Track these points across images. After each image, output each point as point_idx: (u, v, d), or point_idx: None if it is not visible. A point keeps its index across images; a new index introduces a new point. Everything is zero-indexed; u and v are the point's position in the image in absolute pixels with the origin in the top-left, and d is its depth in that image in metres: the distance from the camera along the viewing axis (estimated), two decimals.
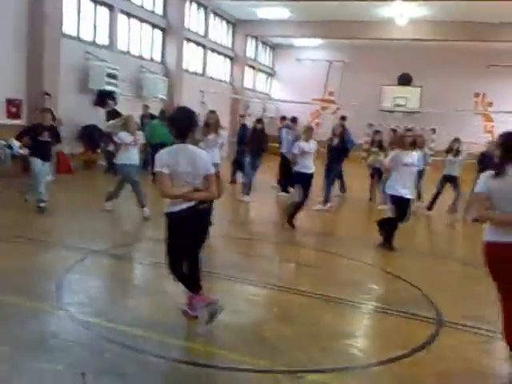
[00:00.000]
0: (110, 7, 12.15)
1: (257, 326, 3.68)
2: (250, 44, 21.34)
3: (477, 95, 21.38)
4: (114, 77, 11.33)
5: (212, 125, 6.92)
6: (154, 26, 14.20)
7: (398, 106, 20.83)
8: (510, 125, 21.18)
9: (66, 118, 10.07)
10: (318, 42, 22.46)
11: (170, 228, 3.39)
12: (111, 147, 7.40)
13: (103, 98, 11.28)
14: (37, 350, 2.99)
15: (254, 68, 22.19)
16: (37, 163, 6.72)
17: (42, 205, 6.68)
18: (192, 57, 16.65)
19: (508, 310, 3.05)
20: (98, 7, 11.80)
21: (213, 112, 7.22)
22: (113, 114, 10.86)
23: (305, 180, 7.14)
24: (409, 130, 6.68)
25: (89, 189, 9.56)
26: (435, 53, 20.68)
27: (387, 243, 6.26)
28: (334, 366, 3.10)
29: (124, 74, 12.35)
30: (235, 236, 6.75)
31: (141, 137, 7.40)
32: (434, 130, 21.42)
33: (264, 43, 22.98)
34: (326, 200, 9.10)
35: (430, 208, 9.38)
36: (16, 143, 8.26)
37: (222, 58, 19.05)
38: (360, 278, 5.13)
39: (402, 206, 6.13)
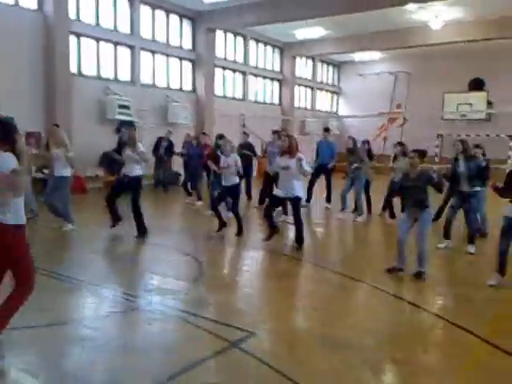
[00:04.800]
0: (131, 47, 13.95)
1: None
2: (305, 64, 21.80)
3: None
4: (126, 107, 12.96)
5: (128, 141, 7.59)
6: (182, 58, 15.71)
7: (462, 113, 19.04)
8: None
9: (86, 145, 11.97)
10: (378, 55, 21.86)
11: None
12: None
13: (119, 127, 12.99)
14: None
15: (312, 88, 22.50)
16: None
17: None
18: (231, 83, 17.87)
19: None
20: (119, 47, 13.68)
21: (130, 127, 8.07)
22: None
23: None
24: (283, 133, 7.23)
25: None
26: (508, 53, 18.62)
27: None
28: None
29: (147, 105, 14.01)
30: None
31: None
32: (511, 137, 19.08)
33: (324, 62, 23.17)
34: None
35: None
36: None
37: (268, 81, 19.85)
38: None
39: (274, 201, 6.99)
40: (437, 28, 15.49)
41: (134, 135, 7.60)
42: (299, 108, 21.35)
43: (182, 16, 15.43)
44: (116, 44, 13.57)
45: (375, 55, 21.84)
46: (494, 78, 19.42)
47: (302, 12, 13.96)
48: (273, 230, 6.87)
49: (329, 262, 6.33)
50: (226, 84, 17.70)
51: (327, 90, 23.79)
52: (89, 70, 12.97)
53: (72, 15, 12.27)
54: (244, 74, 18.40)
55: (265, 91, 19.80)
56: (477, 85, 20.29)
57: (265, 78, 19.65)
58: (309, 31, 17.55)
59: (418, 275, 5.41)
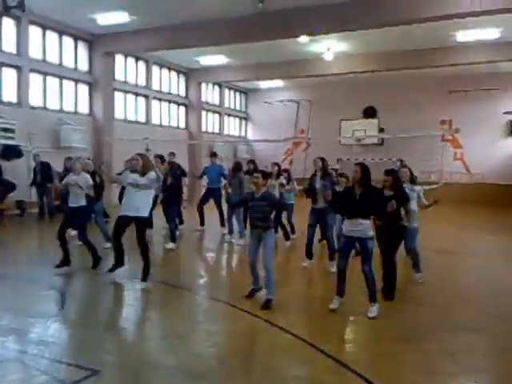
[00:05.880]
0: (18, 67, 13.15)
1: None
2: (212, 90, 22.05)
3: (443, 122, 20.48)
4: (10, 131, 12.11)
5: None
6: (78, 81, 15.11)
7: (358, 139, 20.34)
8: (478, 149, 20.19)
9: None
10: (282, 83, 22.75)
11: None
12: None
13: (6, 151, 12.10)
14: None
15: (219, 113, 22.78)
16: None
17: None
18: (133, 107, 17.52)
19: None
20: (4, 68, 12.83)
21: None
22: None
23: None
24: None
25: None
26: (396, 84, 20.38)
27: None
28: None
29: (37, 128, 13.19)
30: None
31: None
32: (401, 161, 20.65)
33: (232, 88, 23.61)
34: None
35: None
36: None
37: (173, 105, 19.74)
38: None
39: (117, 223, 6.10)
40: (329, 59, 16.47)
41: None
42: (207, 132, 21.42)
43: (76, 38, 14.90)
44: (0, 65, 12.73)
45: (279, 83, 22.73)
46: (383, 106, 21.10)
47: (200, 39, 14.11)
48: (118, 262, 6.20)
49: (201, 286, 6.25)
50: (128, 108, 17.31)
51: (235, 116, 24.20)
52: None
53: None
54: (147, 97, 18.15)
55: (169, 115, 19.61)
56: (370, 112, 21.87)
57: (170, 102, 19.53)
58: (211, 58, 17.87)
59: (266, 305, 5.06)
